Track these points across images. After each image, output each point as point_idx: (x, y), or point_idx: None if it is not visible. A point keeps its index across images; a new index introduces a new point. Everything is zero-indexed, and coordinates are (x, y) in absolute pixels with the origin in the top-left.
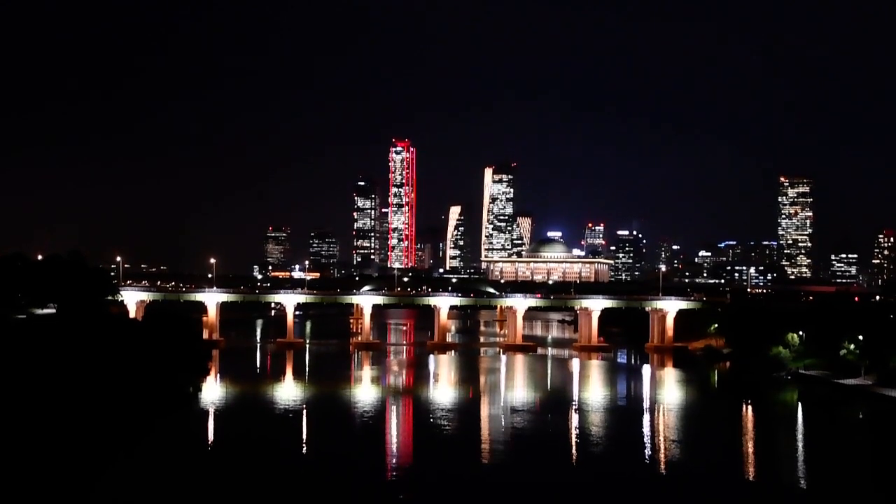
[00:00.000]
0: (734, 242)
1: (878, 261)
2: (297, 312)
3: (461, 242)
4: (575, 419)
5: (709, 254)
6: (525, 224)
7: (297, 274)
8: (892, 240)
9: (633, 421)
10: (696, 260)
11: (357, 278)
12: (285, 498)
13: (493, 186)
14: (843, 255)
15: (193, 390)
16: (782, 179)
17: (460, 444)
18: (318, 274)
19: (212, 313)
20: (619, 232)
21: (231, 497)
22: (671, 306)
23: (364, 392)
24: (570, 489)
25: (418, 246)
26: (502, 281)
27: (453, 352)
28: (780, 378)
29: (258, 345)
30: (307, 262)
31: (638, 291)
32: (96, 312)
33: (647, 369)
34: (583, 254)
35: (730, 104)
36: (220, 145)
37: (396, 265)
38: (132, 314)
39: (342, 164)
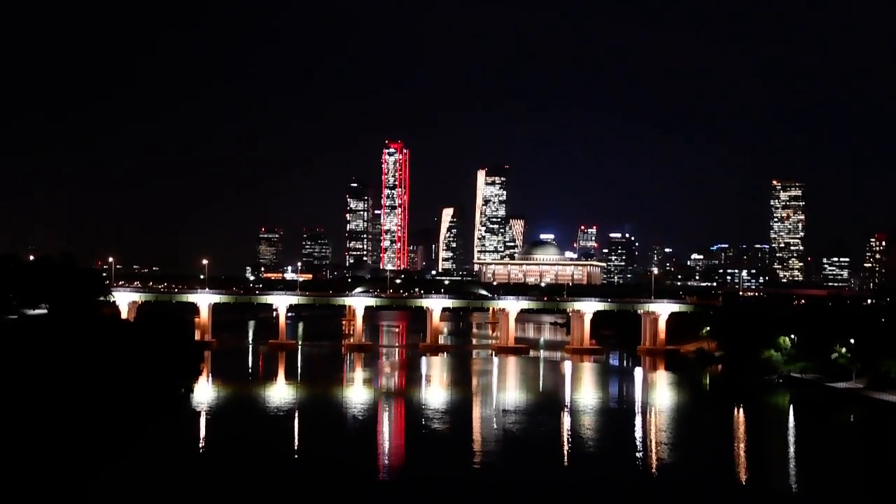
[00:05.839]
0: (726, 246)
1: (869, 264)
2: (289, 314)
3: (454, 244)
4: (567, 421)
5: (701, 257)
6: (518, 226)
7: (289, 275)
8: (883, 243)
9: (625, 423)
10: (689, 263)
11: (349, 280)
12: (277, 499)
13: (486, 188)
14: (835, 259)
15: (185, 392)
16: (774, 183)
17: (452, 446)
18: (310, 275)
19: (204, 314)
20: (612, 235)
21: (224, 499)
22: (663, 309)
23: (356, 394)
24: (562, 490)
25: (411, 248)
26: (495, 283)
27: (445, 354)
28: (771, 381)
29: (250, 346)
30: (300, 264)
31: (630, 294)
32: (88, 313)
33: (638, 372)
34: (575, 256)
35: (722, 108)
36: (213, 147)
37: (389, 267)
38: (124, 315)
39: (335, 166)
